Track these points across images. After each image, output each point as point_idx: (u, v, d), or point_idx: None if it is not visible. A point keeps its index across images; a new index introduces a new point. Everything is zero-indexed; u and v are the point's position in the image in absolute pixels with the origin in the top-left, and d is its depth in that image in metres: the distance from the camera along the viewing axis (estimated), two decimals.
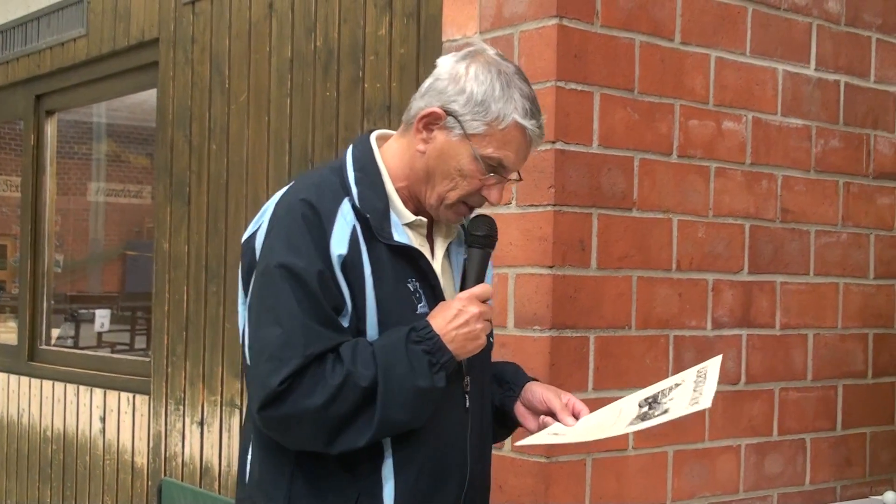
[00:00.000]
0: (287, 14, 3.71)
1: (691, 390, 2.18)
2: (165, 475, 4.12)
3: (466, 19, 2.95)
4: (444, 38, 3.01)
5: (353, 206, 1.92)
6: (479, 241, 2.01)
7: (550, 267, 2.68)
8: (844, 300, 3.35)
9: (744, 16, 3.08)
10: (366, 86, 3.38)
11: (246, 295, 1.96)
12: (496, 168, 1.96)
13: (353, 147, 2.03)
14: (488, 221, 2.03)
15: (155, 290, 4.32)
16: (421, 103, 1.98)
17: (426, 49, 3.15)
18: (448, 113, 1.94)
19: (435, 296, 1.97)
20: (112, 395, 4.61)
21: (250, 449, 1.99)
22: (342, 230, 1.89)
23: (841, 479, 3.34)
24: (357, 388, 1.81)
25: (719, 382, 2.99)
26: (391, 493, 1.90)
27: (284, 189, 1.98)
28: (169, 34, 4.31)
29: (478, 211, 2.03)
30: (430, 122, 1.95)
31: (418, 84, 3.13)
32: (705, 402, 2.09)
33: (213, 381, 3.97)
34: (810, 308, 3.26)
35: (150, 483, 4.28)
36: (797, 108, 3.22)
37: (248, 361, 1.87)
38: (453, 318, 1.90)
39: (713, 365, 2.10)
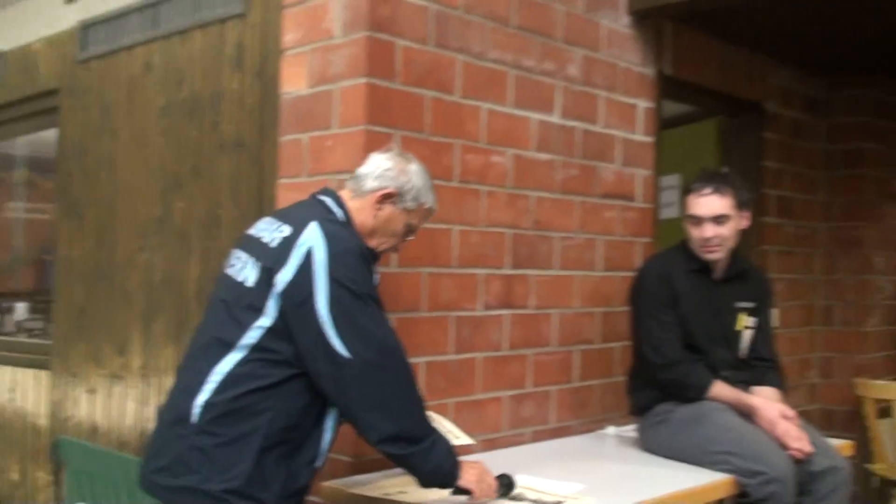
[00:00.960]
0: (161, 71, 3.60)
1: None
2: (62, 434, 3.95)
3: (299, 78, 2.92)
4: (281, 91, 2.98)
5: (370, 250, 2.18)
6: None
7: None
8: (580, 287, 3.43)
9: (506, 77, 3.14)
10: (223, 127, 3.31)
11: (282, 312, 2.03)
12: (413, 232, 2.33)
13: (337, 204, 2.23)
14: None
15: (56, 287, 4.14)
16: (375, 183, 2.25)
17: (267, 99, 3.10)
18: (399, 193, 2.24)
19: None
20: (20, 372, 4.40)
21: (203, 395, 2.04)
22: None
23: (578, 419, 3.42)
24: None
25: (488, 350, 3.06)
26: (328, 440, 2.14)
27: (317, 235, 2.06)
28: (67, 85, 4.13)
29: None
30: (387, 197, 2.25)
31: (263, 125, 3.14)
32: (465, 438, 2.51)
33: (100, 358, 3.83)
34: (555, 294, 3.33)
35: (50, 440, 4.09)
36: (546, 146, 3.29)
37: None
38: (482, 474, 2.22)
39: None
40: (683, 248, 3.10)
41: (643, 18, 3.66)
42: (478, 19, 3.03)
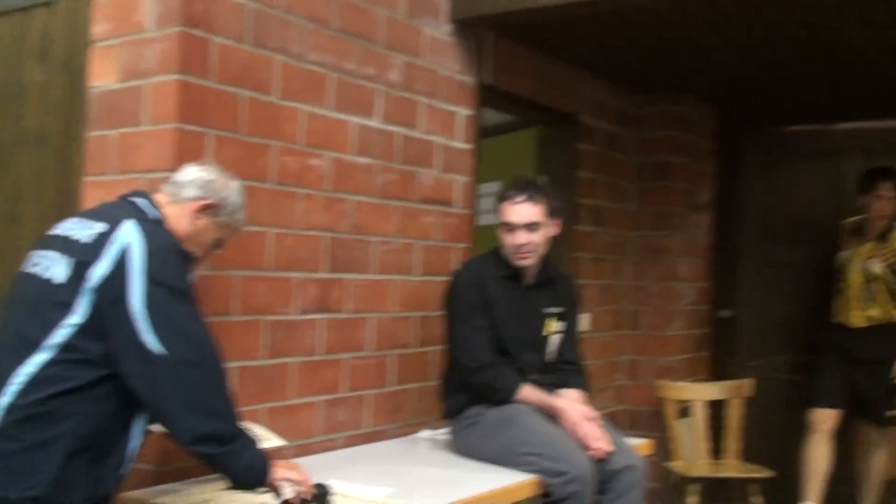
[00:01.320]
0: None
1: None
2: None
3: (107, 72, 2.81)
4: (89, 85, 2.85)
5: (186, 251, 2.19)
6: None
7: None
8: (398, 292, 3.45)
9: (326, 80, 3.12)
10: (25, 121, 3.12)
11: (95, 309, 1.99)
12: (220, 246, 2.36)
13: (151, 206, 2.20)
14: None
15: None
16: (197, 192, 2.25)
17: (75, 93, 2.96)
18: (219, 206, 2.26)
19: None
20: None
21: (5, 398, 1.98)
22: None
23: (392, 423, 3.43)
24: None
25: (303, 355, 3.04)
26: (135, 446, 2.09)
27: (134, 232, 2.03)
28: None
29: None
30: (206, 208, 2.25)
31: (69, 120, 2.98)
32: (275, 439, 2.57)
33: None
34: (372, 298, 3.33)
35: None
36: (366, 150, 3.28)
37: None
38: (291, 468, 2.21)
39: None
40: (496, 255, 3.17)
41: (464, 27, 3.72)
42: (298, 20, 3.00)
